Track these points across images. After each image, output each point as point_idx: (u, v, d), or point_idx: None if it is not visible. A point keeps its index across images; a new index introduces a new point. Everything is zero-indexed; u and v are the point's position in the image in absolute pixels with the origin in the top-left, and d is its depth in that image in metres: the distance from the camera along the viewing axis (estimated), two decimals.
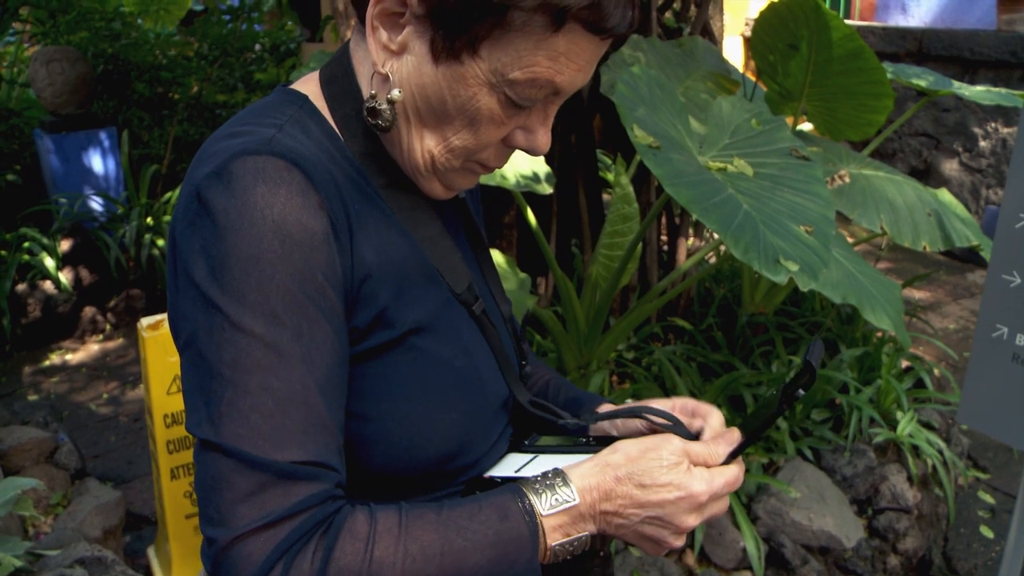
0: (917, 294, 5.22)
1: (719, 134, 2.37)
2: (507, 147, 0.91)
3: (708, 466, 0.89)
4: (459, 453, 0.91)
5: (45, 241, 4.62)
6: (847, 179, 2.88)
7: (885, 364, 3.24)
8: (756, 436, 0.90)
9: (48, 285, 4.59)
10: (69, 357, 4.52)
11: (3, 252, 4.54)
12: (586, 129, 3.41)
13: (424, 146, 0.88)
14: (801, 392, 0.85)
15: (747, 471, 2.80)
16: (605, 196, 4.06)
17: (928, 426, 3.20)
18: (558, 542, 0.84)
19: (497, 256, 2.69)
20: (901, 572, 2.89)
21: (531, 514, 0.82)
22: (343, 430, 0.83)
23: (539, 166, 2.48)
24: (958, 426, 3.37)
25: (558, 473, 0.86)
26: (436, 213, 0.97)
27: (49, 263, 4.56)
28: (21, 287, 4.53)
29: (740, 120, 2.43)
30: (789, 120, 3.21)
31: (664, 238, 3.94)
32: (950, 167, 6.15)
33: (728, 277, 3.87)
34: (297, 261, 0.77)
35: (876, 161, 3.24)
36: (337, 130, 0.90)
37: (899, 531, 2.85)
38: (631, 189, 2.74)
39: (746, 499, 2.77)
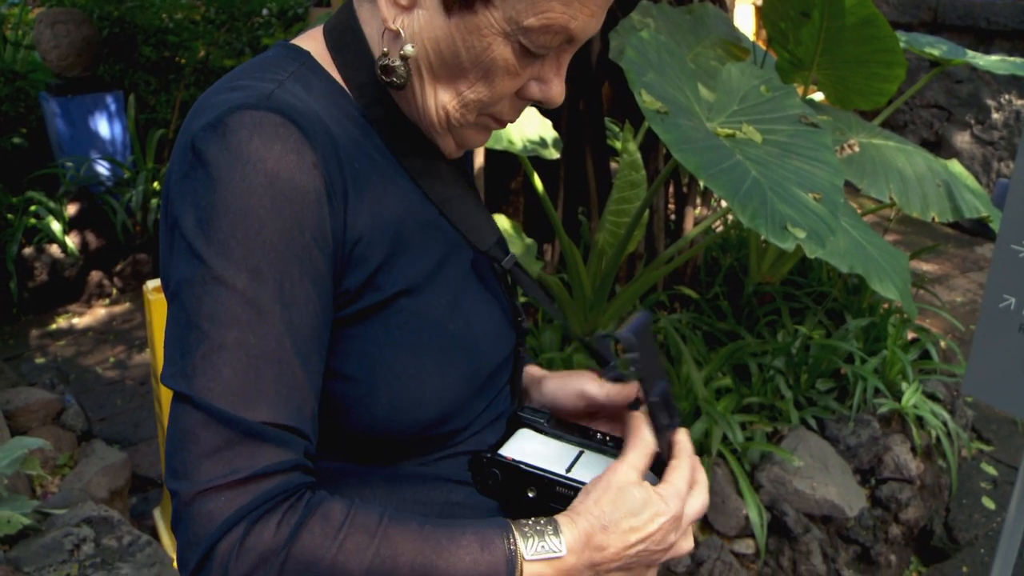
0: (925, 266, 5.20)
1: (728, 100, 2.34)
2: (521, 100, 0.90)
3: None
4: (450, 417, 0.90)
5: (52, 205, 4.62)
6: (856, 148, 2.86)
7: (891, 335, 3.23)
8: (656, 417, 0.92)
9: (55, 249, 4.60)
10: (76, 321, 4.54)
11: (10, 215, 4.54)
12: (594, 96, 3.38)
13: (438, 101, 0.87)
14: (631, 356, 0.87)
15: (751, 439, 2.81)
16: (612, 164, 4.03)
17: (933, 397, 3.20)
18: None
19: (503, 221, 2.67)
20: (902, 542, 2.90)
21: (513, 555, 0.79)
22: (319, 395, 0.81)
23: (546, 131, 2.46)
24: (963, 398, 3.37)
25: (550, 522, 0.83)
26: (458, 171, 0.97)
27: (56, 227, 4.56)
28: (28, 251, 4.54)
29: (749, 86, 2.41)
30: (799, 89, 3.18)
31: (671, 206, 3.92)
32: (961, 139, 6.10)
33: (735, 246, 3.85)
34: (286, 218, 0.76)
35: (886, 131, 3.21)
36: (347, 89, 0.89)
37: (901, 501, 2.86)
38: (639, 156, 2.72)
39: (749, 467, 2.78)
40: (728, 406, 2.83)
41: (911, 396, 3.02)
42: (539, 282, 1.04)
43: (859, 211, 3.83)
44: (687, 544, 0.90)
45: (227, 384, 0.74)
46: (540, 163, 3.10)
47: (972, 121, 6.04)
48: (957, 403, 3.30)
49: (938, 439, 3.05)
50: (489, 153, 3.11)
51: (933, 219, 2.89)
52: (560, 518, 0.84)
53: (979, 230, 5.75)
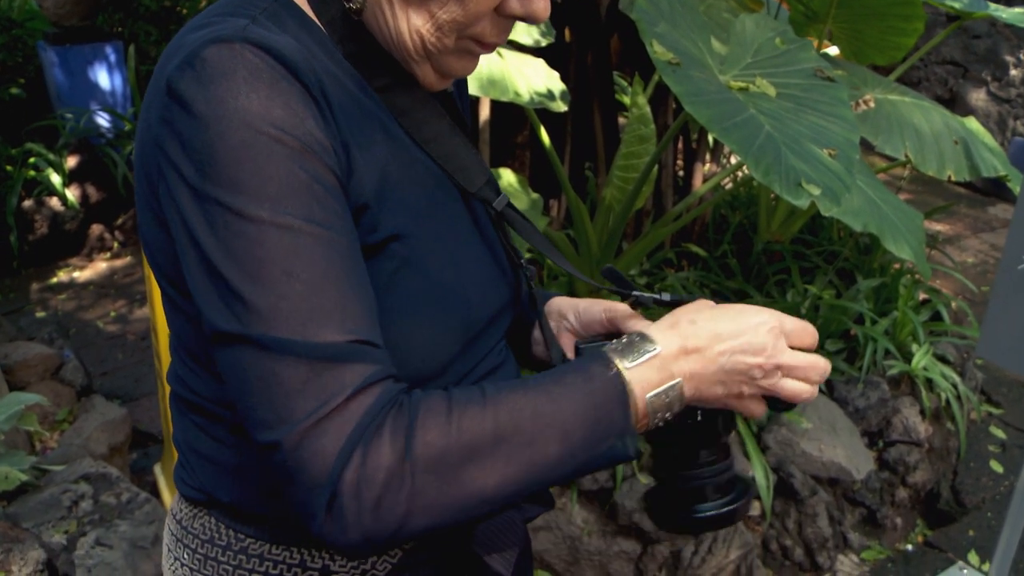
0: (936, 226, 5.13)
1: (741, 53, 2.27)
2: (503, 18, 0.83)
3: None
4: (440, 372, 0.86)
5: (51, 157, 4.56)
6: (872, 104, 2.78)
7: (902, 296, 3.18)
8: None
9: (55, 202, 4.55)
10: (77, 275, 4.50)
11: (9, 167, 4.48)
12: (603, 49, 3.29)
13: (411, 26, 0.81)
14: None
15: None
16: (620, 120, 3.95)
17: (943, 359, 3.15)
18: (651, 393, 0.78)
19: (509, 175, 2.61)
20: (909, 505, 2.88)
21: (616, 370, 0.77)
22: (375, 308, 0.76)
23: (554, 83, 2.39)
24: (973, 360, 3.33)
25: (636, 334, 0.81)
26: (443, 109, 0.91)
27: (55, 179, 4.50)
28: (28, 203, 4.49)
29: (763, 39, 2.33)
30: (813, 42, 3.09)
31: (680, 163, 3.85)
32: (977, 97, 5.99)
33: (744, 203, 3.78)
34: (291, 142, 0.71)
35: (902, 86, 3.12)
36: (321, 26, 0.84)
37: (909, 464, 2.83)
38: (648, 110, 2.65)
39: (756, 428, 2.74)
40: None
41: (921, 358, 2.98)
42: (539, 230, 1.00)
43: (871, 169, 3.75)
44: (794, 386, 0.83)
45: (288, 316, 0.69)
46: (547, 117, 3.03)
47: (988, 78, 5.92)
48: (967, 365, 3.25)
49: (947, 402, 3.01)
50: (495, 106, 3.04)
51: (949, 178, 2.82)
52: (646, 327, 0.83)
53: (992, 190, 5.66)
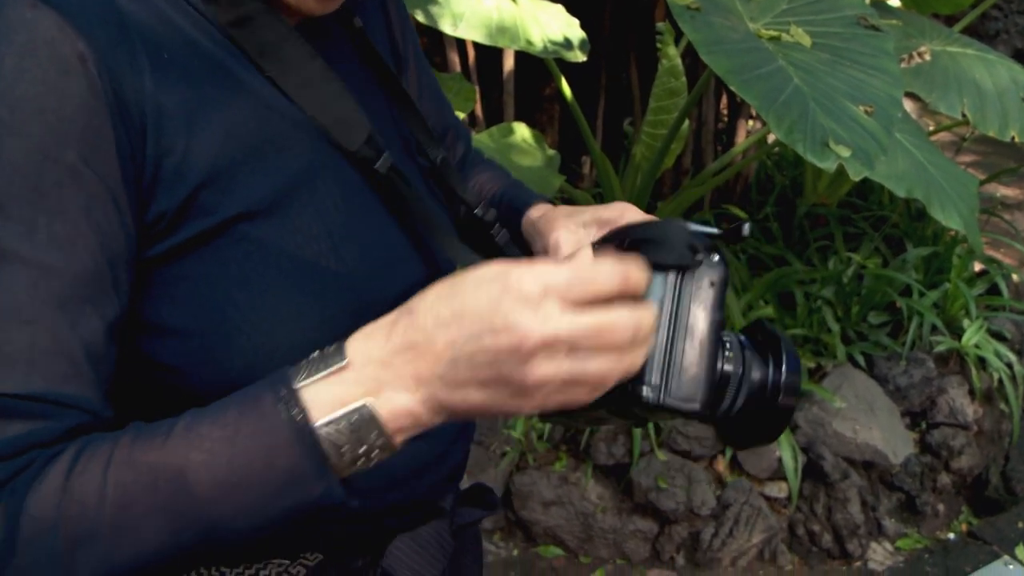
0: (1003, 190, 4.81)
1: None
2: None
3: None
4: None
5: None
6: (927, 56, 2.54)
7: (955, 266, 2.94)
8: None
9: None
10: None
11: None
12: None
13: None
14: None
15: None
16: None
17: (999, 336, 2.92)
18: (323, 419, 0.56)
19: (523, 130, 2.45)
20: (952, 491, 2.68)
21: (279, 390, 0.57)
22: (100, 352, 0.63)
23: (572, 31, 2.21)
24: None
25: (339, 344, 0.59)
26: (317, 49, 0.74)
27: None
28: None
29: None
30: None
31: (726, 118, 3.64)
32: None
33: (792, 163, 3.56)
34: (34, 135, 0.58)
35: (967, 38, 2.86)
36: None
37: (954, 448, 2.63)
38: (679, 61, 2.46)
39: None
40: None
41: (973, 334, 2.76)
42: (442, 181, 0.78)
43: (932, 127, 3.50)
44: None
45: None
46: (579, 69, 2.85)
47: None
48: None
49: (1001, 382, 2.79)
50: (520, 55, 2.87)
51: (1012, 138, 2.57)
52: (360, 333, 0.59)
53: None
